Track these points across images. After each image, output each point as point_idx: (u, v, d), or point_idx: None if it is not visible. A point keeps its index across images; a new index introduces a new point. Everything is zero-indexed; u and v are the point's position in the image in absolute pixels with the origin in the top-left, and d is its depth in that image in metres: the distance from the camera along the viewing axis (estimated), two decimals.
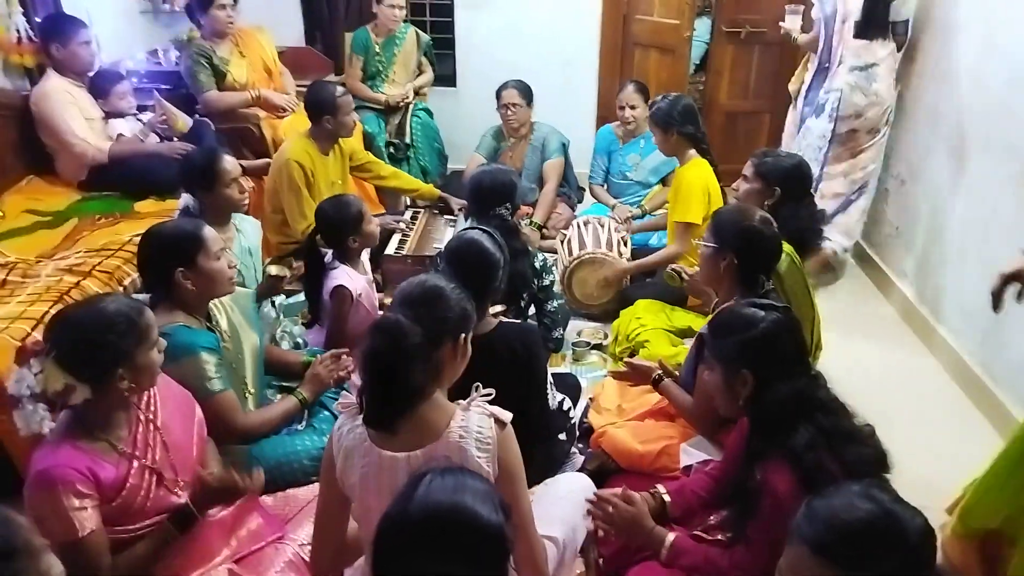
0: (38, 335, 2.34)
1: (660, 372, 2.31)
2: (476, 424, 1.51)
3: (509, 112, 4.18)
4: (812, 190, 2.85)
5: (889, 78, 3.52)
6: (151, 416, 1.73)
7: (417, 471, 1.39)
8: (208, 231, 2.13)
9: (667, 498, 1.92)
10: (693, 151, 3.29)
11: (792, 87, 4.05)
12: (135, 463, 1.65)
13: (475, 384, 1.59)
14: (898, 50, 3.54)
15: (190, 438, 1.82)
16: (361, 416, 1.53)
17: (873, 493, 1.16)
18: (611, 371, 2.60)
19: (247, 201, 2.79)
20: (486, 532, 1.14)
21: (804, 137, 3.73)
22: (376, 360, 1.45)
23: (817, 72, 3.69)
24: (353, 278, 2.77)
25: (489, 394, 1.57)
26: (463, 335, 1.58)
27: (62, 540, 1.50)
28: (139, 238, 2.88)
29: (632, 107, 4.05)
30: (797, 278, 2.43)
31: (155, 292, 2.08)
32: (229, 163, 2.67)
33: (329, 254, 2.86)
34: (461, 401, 1.56)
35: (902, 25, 3.51)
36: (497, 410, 1.55)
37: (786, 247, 2.32)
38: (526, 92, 4.18)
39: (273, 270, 2.98)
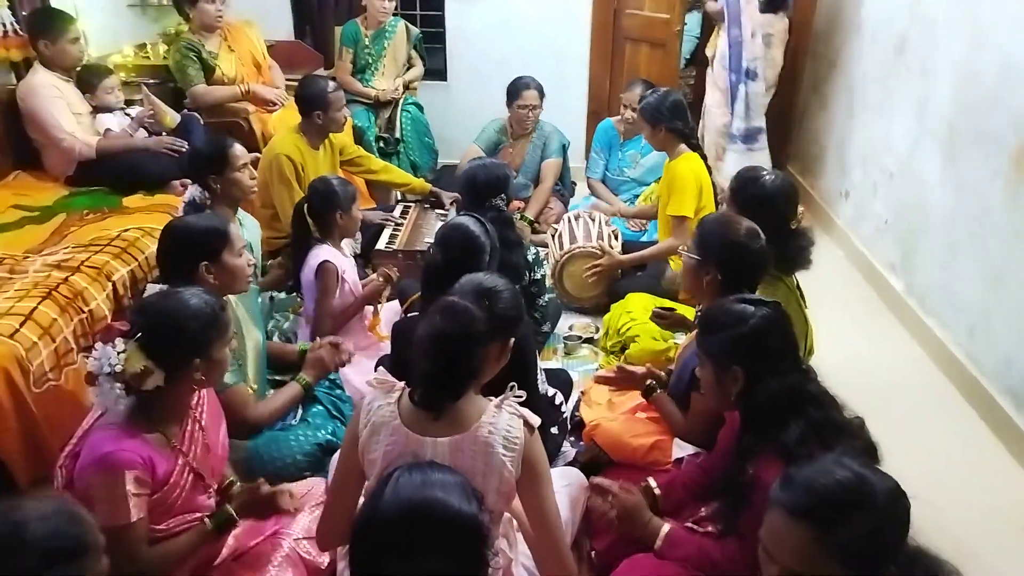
0: (27, 331, 2.34)
1: (652, 381, 2.27)
2: (506, 423, 1.53)
3: (529, 114, 4.13)
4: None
5: (782, 47, 4.23)
6: (199, 416, 1.75)
7: (439, 458, 1.39)
8: (233, 227, 2.16)
9: (658, 492, 1.93)
10: (683, 145, 3.29)
11: (708, 52, 4.51)
12: (181, 460, 1.66)
13: (511, 384, 1.60)
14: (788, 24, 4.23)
15: (218, 442, 1.83)
16: (397, 395, 1.55)
17: (845, 460, 1.20)
18: (596, 376, 2.56)
19: (256, 188, 2.81)
20: (459, 522, 1.15)
21: (752, 100, 4.25)
22: (444, 342, 1.48)
23: (732, 44, 4.21)
24: (337, 257, 2.78)
25: (521, 396, 1.59)
26: (512, 338, 1.63)
27: (112, 524, 1.50)
28: (128, 233, 2.95)
29: (634, 109, 3.96)
30: (789, 299, 2.39)
31: (174, 284, 2.07)
32: (239, 148, 2.72)
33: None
34: (493, 398, 1.58)
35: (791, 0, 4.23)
36: (527, 413, 1.56)
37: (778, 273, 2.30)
38: (542, 92, 4.14)
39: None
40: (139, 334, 1.57)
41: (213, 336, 1.64)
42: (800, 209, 2.52)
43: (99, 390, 1.56)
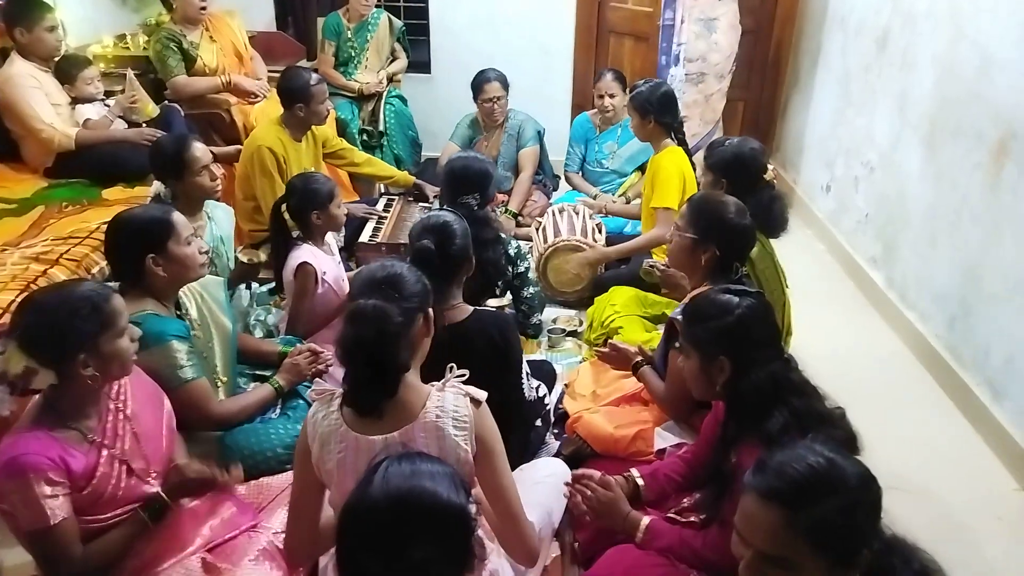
0: (5, 320, 2.32)
1: (640, 358, 2.34)
2: (452, 404, 1.53)
3: (495, 106, 4.14)
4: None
5: (730, 31, 4.23)
6: (120, 406, 1.72)
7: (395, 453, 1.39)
8: (177, 216, 2.11)
9: (640, 482, 1.94)
10: (669, 139, 3.31)
11: None
12: (104, 452, 1.63)
13: (449, 365, 1.60)
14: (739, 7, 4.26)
15: (160, 428, 1.80)
16: (338, 402, 1.54)
17: (816, 446, 1.21)
18: (596, 350, 2.61)
19: (219, 188, 2.76)
20: (447, 512, 1.15)
21: (671, 83, 4.19)
22: (362, 346, 1.45)
23: (664, 27, 4.27)
24: (318, 257, 2.75)
25: (463, 374, 1.59)
26: (429, 309, 1.62)
27: (33, 528, 1.50)
28: (106, 225, 2.92)
29: (611, 95, 4.05)
30: (767, 263, 2.46)
31: (124, 279, 2.05)
32: (199, 150, 2.64)
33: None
34: (435, 383, 1.58)
35: None
36: (471, 389, 1.57)
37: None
38: (505, 82, 4.15)
39: (242, 257, 2.96)
40: (17, 333, 1.53)
41: (96, 329, 1.57)
42: (770, 167, 2.66)
43: None
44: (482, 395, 1.57)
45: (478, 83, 4.15)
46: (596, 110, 4.23)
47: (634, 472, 1.97)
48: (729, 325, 1.67)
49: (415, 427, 1.50)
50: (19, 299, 2.37)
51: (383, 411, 1.49)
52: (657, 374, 2.29)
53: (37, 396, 1.62)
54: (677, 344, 1.94)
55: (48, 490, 1.51)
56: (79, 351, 1.55)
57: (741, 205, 2.21)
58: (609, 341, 2.50)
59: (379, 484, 1.15)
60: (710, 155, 2.68)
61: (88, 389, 1.62)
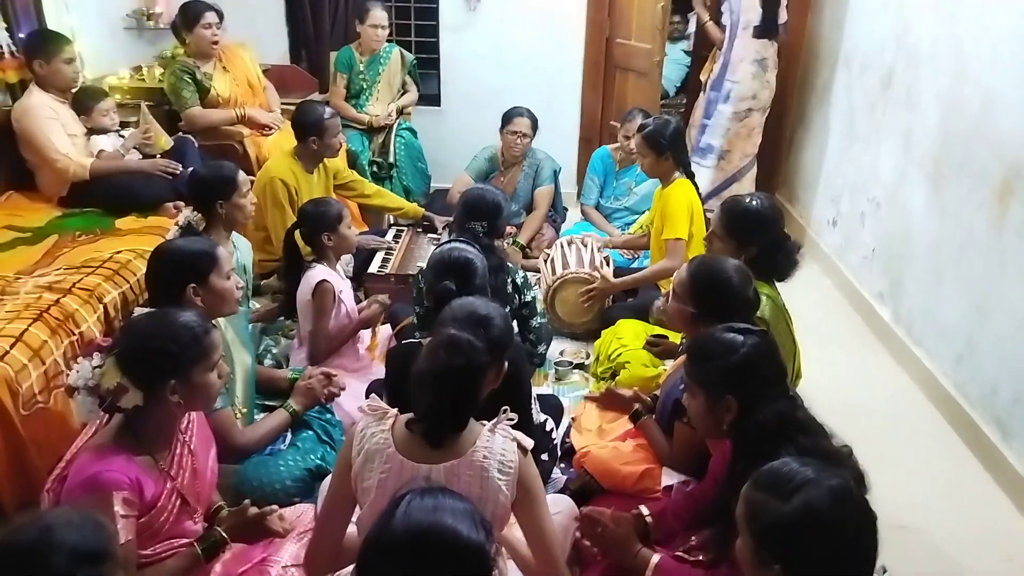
0: (17, 353, 2.33)
1: (639, 406, 2.33)
2: (500, 447, 1.54)
3: (518, 141, 4.18)
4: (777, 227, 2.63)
5: (774, 69, 4.55)
6: (188, 440, 1.74)
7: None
8: (221, 250, 2.16)
9: (649, 520, 1.94)
10: (678, 172, 3.35)
11: (703, 76, 4.77)
12: (168, 483, 1.65)
13: (503, 408, 1.61)
14: (778, 49, 4.55)
15: (207, 467, 1.82)
16: (391, 422, 1.56)
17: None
18: (588, 396, 2.61)
19: (254, 212, 2.84)
20: (468, 550, 1.15)
21: (717, 119, 4.58)
22: (450, 376, 1.49)
23: (722, 67, 4.52)
24: (333, 276, 2.79)
25: (513, 418, 1.60)
26: (506, 361, 1.65)
27: None
28: (120, 255, 2.95)
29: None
30: (778, 317, 2.43)
31: (161, 307, 2.07)
32: (242, 174, 2.76)
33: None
34: (486, 422, 1.59)
35: (783, 27, 4.50)
36: (520, 436, 1.58)
37: (767, 289, 2.34)
38: (535, 123, 4.20)
39: (257, 302, 3.00)
40: (116, 350, 1.57)
41: (192, 358, 1.62)
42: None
43: (76, 403, 1.57)
44: (529, 443, 1.58)
45: (509, 115, 4.20)
46: (617, 145, 4.26)
47: (643, 509, 1.96)
48: (735, 364, 1.68)
49: (461, 463, 1.51)
50: (32, 327, 2.42)
51: (445, 443, 1.52)
52: (659, 426, 2.26)
53: (114, 418, 1.64)
54: (685, 420, 1.96)
55: (123, 510, 1.53)
56: (171, 376, 1.59)
57: (744, 272, 2.13)
58: (607, 388, 2.47)
59: (401, 518, 1.16)
60: (729, 222, 2.50)
61: (169, 417, 1.66)
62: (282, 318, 3.12)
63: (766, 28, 4.41)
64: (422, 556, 1.13)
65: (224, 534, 1.70)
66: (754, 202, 2.52)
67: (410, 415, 1.57)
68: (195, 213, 2.71)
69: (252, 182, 3.51)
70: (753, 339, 1.72)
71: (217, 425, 2.03)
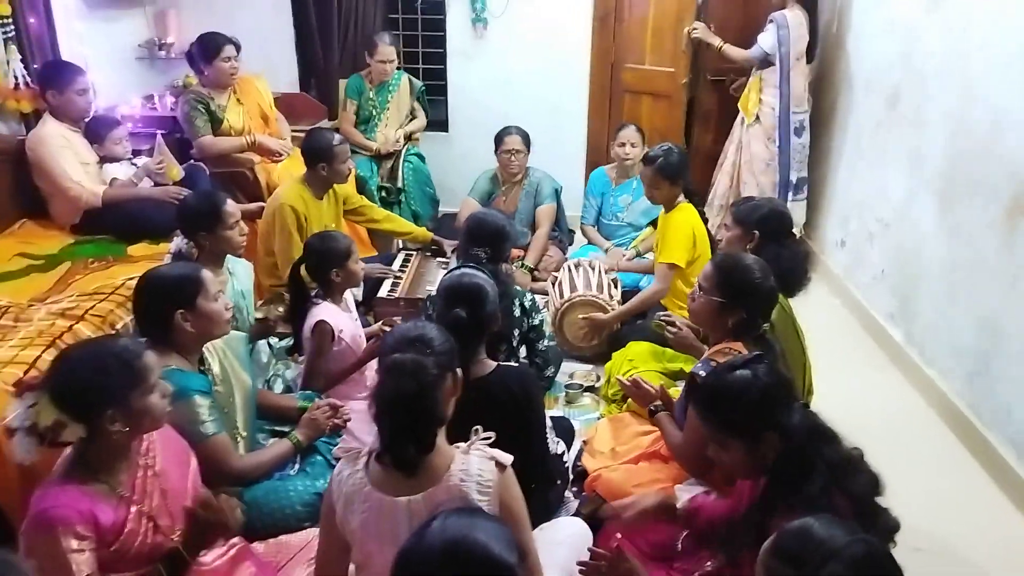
0: (33, 375, 2.34)
1: (659, 402, 2.34)
2: (477, 467, 1.53)
3: (512, 158, 4.24)
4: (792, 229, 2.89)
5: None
6: (150, 462, 1.73)
7: (417, 516, 1.40)
8: (206, 273, 2.16)
9: (680, 512, 1.93)
10: (682, 197, 3.38)
11: (749, 108, 4.52)
12: (133, 508, 1.64)
13: (475, 428, 1.61)
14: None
15: (186, 486, 1.81)
16: (364, 460, 1.55)
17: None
18: (618, 379, 2.62)
19: (244, 244, 2.83)
20: (498, 568, 1.15)
21: (795, 152, 4.43)
22: (402, 398, 1.48)
23: (782, 98, 4.37)
24: (335, 315, 2.78)
25: (489, 437, 1.60)
26: (457, 369, 1.65)
27: None
28: (132, 281, 2.94)
29: (632, 144, 4.18)
30: (787, 323, 2.45)
31: (151, 335, 2.08)
32: (231, 206, 2.74)
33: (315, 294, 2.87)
34: (461, 444, 1.58)
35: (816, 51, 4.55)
36: (497, 452, 1.57)
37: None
38: (527, 139, 4.26)
39: (258, 313, 2.99)
40: (48, 387, 1.56)
41: (125, 385, 1.59)
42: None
43: (14, 444, 1.55)
44: (507, 459, 1.57)
45: (500, 136, 4.28)
46: (614, 164, 4.32)
47: (678, 496, 1.96)
48: (761, 398, 1.64)
49: (438, 490, 1.51)
50: (44, 354, 2.43)
51: (416, 467, 1.51)
52: (676, 423, 2.27)
53: (69, 449, 1.63)
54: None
55: (75, 544, 1.51)
56: (107, 407, 1.57)
57: (765, 265, 2.23)
58: (634, 376, 2.49)
59: (436, 530, 1.17)
60: (739, 210, 2.73)
61: (117, 444, 1.63)
62: (289, 340, 3.11)
63: (811, 51, 4.41)
64: (453, 567, 1.14)
65: (183, 550, 1.69)
66: (763, 198, 2.72)
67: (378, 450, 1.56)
68: (186, 241, 2.72)
69: (262, 209, 3.59)
70: (760, 367, 1.70)
71: (211, 452, 2.01)
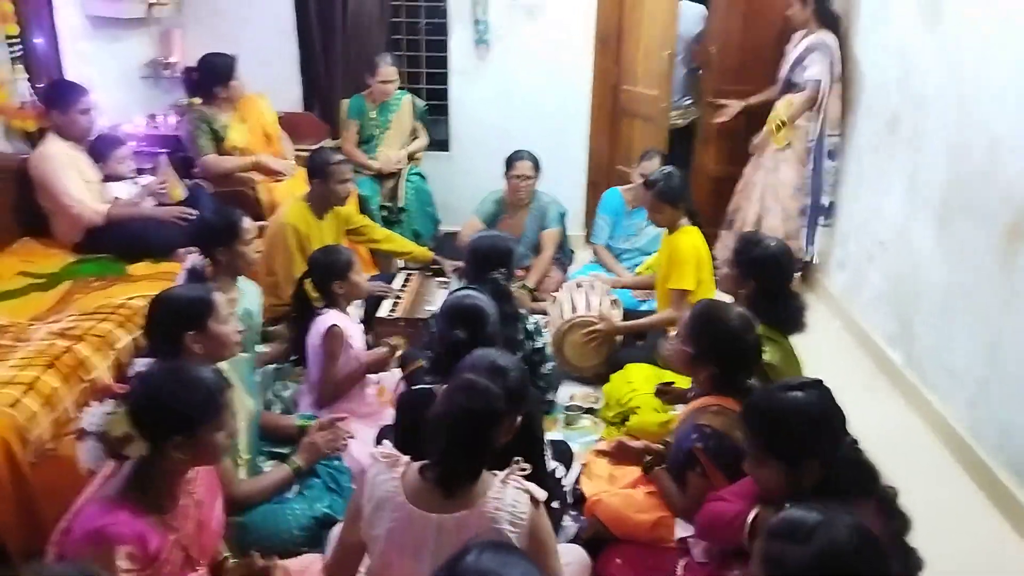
0: (28, 401, 2.35)
1: (650, 457, 2.30)
2: (512, 499, 1.53)
3: (521, 183, 4.23)
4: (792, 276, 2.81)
5: None
6: (193, 491, 1.73)
7: (444, 535, 1.40)
8: (218, 295, 2.18)
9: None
10: (685, 219, 3.38)
11: (782, 134, 4.42)
12: (172, 536, 1.63)
13: (515, 458, 1.60)
14: None
15: (212, 518, 1.81)
16: (402, 470, 1.55)
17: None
18: (598, 450, 2.57)
19: (258, 260, 2.87)
20: None
21: (827, 176, 4.39)
22: (466, 420, 1.49)
23: (820, 124, 4.33)
24: (344, 321, 2.80)
25: (526, 469, 1.59)
26: (520, 414, 1.65)
27: None
28: (133, 301, 2.97)
29: None
30: (791, 364, 2.42)
31: (160, 355, 2.08)
32: (248, 222, 2.79)
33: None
34: (499, 472, 1.58)
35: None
36: (533, 487, 1.57)
37: (769, 332, 2.33)
38: (537, 164, 4.25)
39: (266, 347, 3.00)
40: (128, 399, 1.58)
41: (202, 417, 1.60)
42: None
43: (83, 448, 1.56)
44: (542, 495, 1.57)
45: (511, 160, 4.25)
46: (629, 186, 4.33)
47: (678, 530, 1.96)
48: (808, 426, 1.62)
49: (471, 515, 1.51)
50: (43, 377, 2.43)
51: (458, 487, 1.51)
52: (671, 476, 2.22)
53: (122, 470, 1.63)
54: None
55: (126, 564, 1.51)
56: (177, 433, 1.58)
57: (746, 319, 2.13)
58: (617, 440, 2.45)
59: (470, 564, 1.15)
60: (742, 251, 2.58)
61: (175, 470, 1.64)
62: (291, 363, 3.12)
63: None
64: None
65: None
66: (771, 240, 2.59)
67: (424, 462, 1.56)
68: (201, 259, 2.73)
69: (263, 228, 3.60)
70: (814, 392, 1.67)
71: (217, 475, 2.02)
